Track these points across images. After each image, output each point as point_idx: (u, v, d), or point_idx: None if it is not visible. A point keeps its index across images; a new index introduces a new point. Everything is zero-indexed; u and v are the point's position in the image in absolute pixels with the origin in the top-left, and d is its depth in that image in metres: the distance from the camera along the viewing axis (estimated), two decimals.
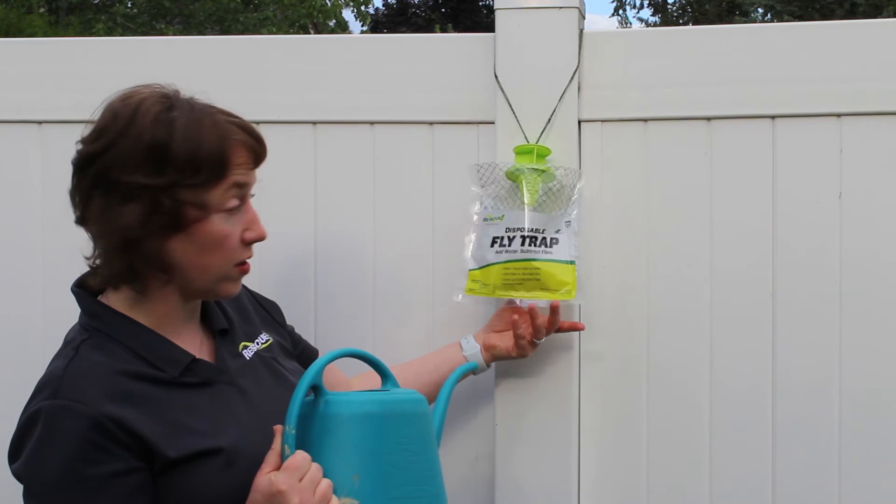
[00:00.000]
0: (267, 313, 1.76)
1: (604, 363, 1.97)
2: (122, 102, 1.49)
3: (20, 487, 1.46)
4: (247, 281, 1.91)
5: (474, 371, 1.88)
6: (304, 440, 1.50)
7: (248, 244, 1.55)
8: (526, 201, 1.86)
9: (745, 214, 1.93)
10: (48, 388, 1.45)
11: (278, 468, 1.45)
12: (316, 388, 1.53)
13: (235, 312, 1.67)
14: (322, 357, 1.55)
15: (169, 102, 1.48)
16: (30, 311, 2.13)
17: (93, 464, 1.41)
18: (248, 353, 1.63)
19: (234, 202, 1.51)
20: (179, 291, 1.54)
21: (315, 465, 1.46)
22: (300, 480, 1.44)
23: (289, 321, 1.83)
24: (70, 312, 1.59)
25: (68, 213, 1.55)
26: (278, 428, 1.48)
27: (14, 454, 1.46)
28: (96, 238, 1.51)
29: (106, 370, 1.46)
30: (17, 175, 2.16)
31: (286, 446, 1.46)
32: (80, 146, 1.50)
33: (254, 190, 1.58)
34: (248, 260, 1.56)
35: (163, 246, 1.48)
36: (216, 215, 1.49)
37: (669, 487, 1.96)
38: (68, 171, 1.54)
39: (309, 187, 2.07)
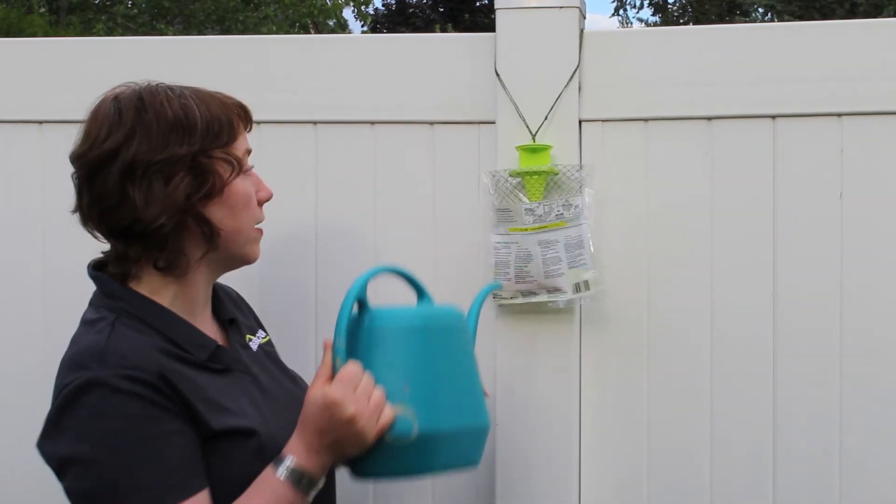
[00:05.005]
0: (252, 312, 1.78)
1: (605, 358, 1.98)
2: (116, 99, 1.52)
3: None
4: (247, 284, 1.92)
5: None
6: (350, 354, 1.52)
7: (261, 204, 1.61)
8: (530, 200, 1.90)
9: (746, 214, 1.93)
10: (93, 359, 1.42)
11: (330, 381, 1.47)
12: (360, 303, 1.56)
13: (233, 306, 1.69)
14: (366, 272, 1.58)
15: (164, 85, 1.54)
16: (30, 311, 2.13)
17: (156, 422, 1.41)
18: (253, 345, 1.65)
19: (249, 163, 1.58)
20: (212, 266, 1.56)
21: (367, 375, 1.48)
22: (354, 390, 1.46)
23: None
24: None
25: (68, 213, 1.55)
26: (328, 342, 1.50)
27: (54, 430, 1.42)
28: (152, 224, 1.47)
29: (145, 345, 1.46)
30: (17, 175, 2.16)
31: (338, 359, 1.48)
32: (90, 149, 1.49)
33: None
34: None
35: (208, 214, 1.51)
36: (240, 177, 1.54)
37: (669, 476, 1.97)
38: (69, 170, 1.54)
39: (309, 188, 2.07)
